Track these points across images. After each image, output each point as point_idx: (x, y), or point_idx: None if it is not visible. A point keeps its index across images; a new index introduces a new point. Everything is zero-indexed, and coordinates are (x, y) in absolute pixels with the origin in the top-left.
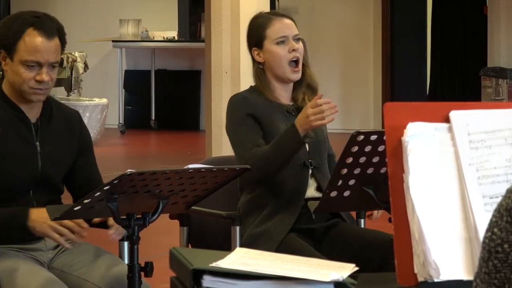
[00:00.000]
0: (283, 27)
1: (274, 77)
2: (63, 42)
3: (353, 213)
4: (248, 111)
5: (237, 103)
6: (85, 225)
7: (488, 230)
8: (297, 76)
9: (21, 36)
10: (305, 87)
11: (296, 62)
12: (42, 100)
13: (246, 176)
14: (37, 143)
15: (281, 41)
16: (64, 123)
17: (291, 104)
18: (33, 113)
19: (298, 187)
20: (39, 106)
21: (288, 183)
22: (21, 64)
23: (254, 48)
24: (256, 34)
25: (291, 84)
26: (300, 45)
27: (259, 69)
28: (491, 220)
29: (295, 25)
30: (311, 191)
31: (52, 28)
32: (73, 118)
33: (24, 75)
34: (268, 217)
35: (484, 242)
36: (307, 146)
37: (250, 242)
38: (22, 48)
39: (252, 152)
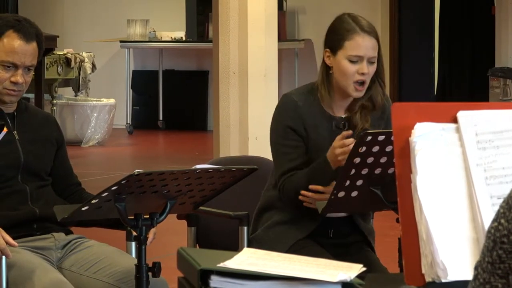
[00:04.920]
0: (362, 46)
1: (337, 85)
2: (40, 47)
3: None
4: (294, 121)
5: (285, 110)
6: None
7: (494, 220)
8: (359, 94)
9: (0, 37)
10: (366, 100)
11: (361, 83)
12: (14, 102)
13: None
14: (15, 131)
15: (354, 60)
16: (40, 116)
17: (343, 116)
18: (8, 109)
19: None
20: (14, 104)
21: None
22: None
23: (327, 49)
24: (335, 38)
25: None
26: (372, 68)
27: (327, 69)
28: (498, 211)
29: (378, 44)
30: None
31: (31, 32)
32: (48, 116)
33: (0, 75)
34: (281, 223)
35: (489, 232)
36: None
37: (257, 246)
38: (0, 48)
39: (287, 179)
